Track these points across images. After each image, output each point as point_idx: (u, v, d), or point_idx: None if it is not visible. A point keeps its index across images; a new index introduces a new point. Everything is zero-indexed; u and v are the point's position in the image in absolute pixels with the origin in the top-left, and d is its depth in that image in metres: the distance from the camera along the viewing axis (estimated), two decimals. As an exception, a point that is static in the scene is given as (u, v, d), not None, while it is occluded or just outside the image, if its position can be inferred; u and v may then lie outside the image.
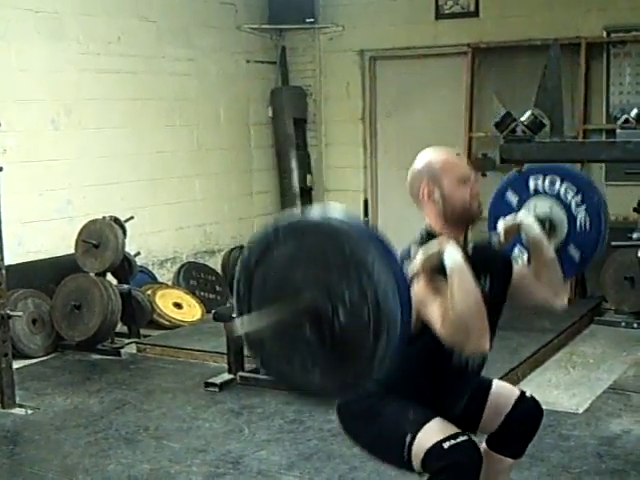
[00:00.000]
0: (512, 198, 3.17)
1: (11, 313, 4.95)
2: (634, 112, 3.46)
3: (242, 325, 2.31)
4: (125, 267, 6.26)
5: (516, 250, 3.09)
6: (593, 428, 4.42)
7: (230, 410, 4.82)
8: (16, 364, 5.15)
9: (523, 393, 2.99)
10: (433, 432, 2.59)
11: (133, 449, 4.28)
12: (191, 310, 6.83)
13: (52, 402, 5.02)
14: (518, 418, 2.92)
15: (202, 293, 7.23)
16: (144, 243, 6.85)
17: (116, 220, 6.20)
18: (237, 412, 4.79)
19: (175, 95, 7.25)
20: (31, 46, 6.14)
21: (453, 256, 2.51)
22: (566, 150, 3.44)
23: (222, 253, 7.80)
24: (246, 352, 4.74)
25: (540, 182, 3.13)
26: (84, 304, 5.94)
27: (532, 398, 2.98)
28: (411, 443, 2.61)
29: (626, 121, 3.45)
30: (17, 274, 5.63)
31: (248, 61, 7.98)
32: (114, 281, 6.26)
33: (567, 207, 3.08)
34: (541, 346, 5.64)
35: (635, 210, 5.99)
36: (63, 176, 6.38)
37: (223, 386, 5.13)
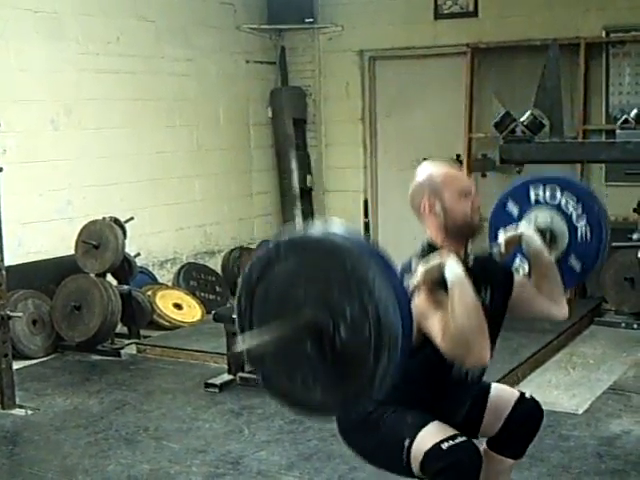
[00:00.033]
0: (513, 209, 3.16)
1: (11, 314, 4.95)
2: (634, 112, 3.46)
3: (244, 341, 2.30)
4: (125, 268, 6.26)
5: (517, 261, 3.08)
6: (593, 428, 4.42)
7: (230, 411, 4.82)
8: (16, 365, 5.15)
9: (523, 394, 2.99)
10: (431, 434, 2.59)
11: (133, 449, 4.28)
12: (191, 311, 6.82)
13: (52, 403, 5.01)
14: (518, 419, 2.92)
15: (202, 294, 7.22)
16: (144, 244, 6.85)
17: (116, 221, 6.19)
18: (237, 413, 4.78)
19: (174, 95, 7.25)
20: (30, 46, 6.14)
21: (454, 270, 2.52)
22: (566, 150, 3.44)
23: (222, 254, 7.78)
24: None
25: (541, 192, 3.12)
26: (84, 305, 5.94)
27: (532, 399, 2.98)
28: (410, 447, 2.60)
29: (625, 121, 3.45)
30: (17, 275, 5.62)
31: (247, 61, 7.98)
32: (114, 282, 6.25)
33: (568, 218, 3.08)
34: (541, 347, 5.63)
35: (635, 211, 6.00)
36: (63, 176, 6.37)
37: (223, 387, 5.13)
